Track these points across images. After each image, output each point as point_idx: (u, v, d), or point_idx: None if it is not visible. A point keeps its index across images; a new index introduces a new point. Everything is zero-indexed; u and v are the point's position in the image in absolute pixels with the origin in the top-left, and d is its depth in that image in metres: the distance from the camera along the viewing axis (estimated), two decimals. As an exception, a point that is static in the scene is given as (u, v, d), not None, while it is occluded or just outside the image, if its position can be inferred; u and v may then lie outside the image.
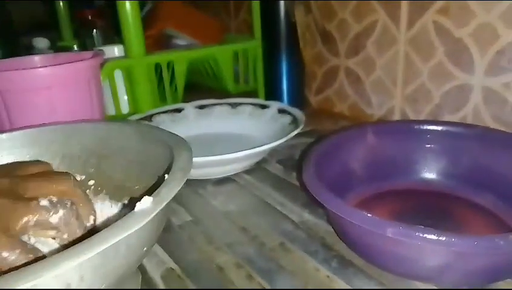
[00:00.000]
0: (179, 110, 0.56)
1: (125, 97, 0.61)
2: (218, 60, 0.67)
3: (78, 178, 0.33)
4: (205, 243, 0.34)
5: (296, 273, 0.30)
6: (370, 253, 0.28)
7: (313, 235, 0.34)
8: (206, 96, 0.60)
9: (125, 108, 0.61)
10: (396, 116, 0.56)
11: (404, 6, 0.52)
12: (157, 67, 0.61)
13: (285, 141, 0.43)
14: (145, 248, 0.22)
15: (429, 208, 0.35)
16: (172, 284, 0.29)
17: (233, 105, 0.57)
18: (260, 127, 0.53)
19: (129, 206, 0.31)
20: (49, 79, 0.38)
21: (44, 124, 0.34)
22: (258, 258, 0.32)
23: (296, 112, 0.50)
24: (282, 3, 0.58)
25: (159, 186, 0.28)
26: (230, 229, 0.36)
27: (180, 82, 0.63)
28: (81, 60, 0.41)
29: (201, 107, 0.57)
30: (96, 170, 0.34)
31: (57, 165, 0.33)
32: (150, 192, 0.29)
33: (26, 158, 0.33)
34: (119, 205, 0.32)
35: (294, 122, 0.48)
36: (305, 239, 0.34)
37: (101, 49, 0.50)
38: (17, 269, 0.16)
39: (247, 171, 0.46)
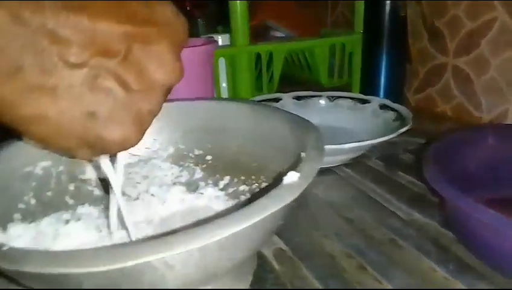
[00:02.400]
0: (276, 100, 0.57)
1: (224, 84, 0.63)
2: (315, 53, 0.67)
3: (197, 152, 0.35)
4: (311, 229, 0.34)
5: (411, 271, 0.29)
6: (500, 259, 0.27)
7: (424, 235, 0.33)
8: (298, 88, 0.60)
9: (223, 95, 0.63)
10: (510, 121, 0.52)
11: (530, 3, 0.48)
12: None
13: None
14: (281, 221, 0.22)
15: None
16: (285, 263, 0.30)
17: (331, 98, 0.56)
18: (360, 121, 0.52)
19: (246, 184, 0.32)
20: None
21: (168, 100, 0.36)
22: (369, 251, 0.31)
23: (400, 108, 0.48)
24: (389, -3, 0.56)
25: (280, 164, 0.29)
26: (335, 219, 0.36)
27: (277, 72, 0.64)
28: (201, 45, 0.43)
29: (299, 98, 0.57)
30: (213, 146, 0.35)
31: (177, 139, 0.36)
32: (271, 170, 0.31)
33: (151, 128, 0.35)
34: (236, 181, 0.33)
35: (399, 119, 0.47)
36: (417, 238, 0.32)
37: (212, 37, 0.52)
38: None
39: (347, 165, 0.45)
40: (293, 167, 0.22)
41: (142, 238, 0.26)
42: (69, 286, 0.18)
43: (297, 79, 0.77)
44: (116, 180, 0.24)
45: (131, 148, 0.22)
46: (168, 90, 0.22)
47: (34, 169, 0.29)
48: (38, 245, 0.23)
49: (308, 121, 0.28)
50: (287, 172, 0.21)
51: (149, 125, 0.22)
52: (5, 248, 0.16)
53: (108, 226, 0.26)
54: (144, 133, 0.22)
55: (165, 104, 0.36)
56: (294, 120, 0.29)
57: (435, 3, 0.58)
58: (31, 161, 0.29)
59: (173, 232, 0.16)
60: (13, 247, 0.16)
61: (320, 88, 0.69)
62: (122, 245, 0.15)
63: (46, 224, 0.24)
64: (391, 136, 0.40)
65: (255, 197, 0.29)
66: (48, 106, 0.18)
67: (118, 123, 0.20)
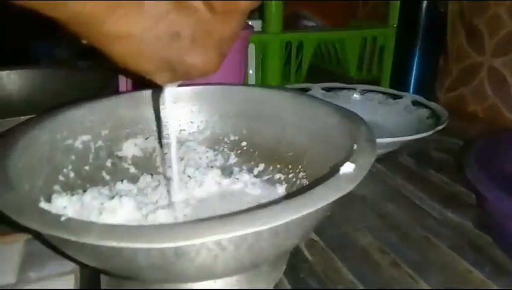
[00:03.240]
0: (305, 90, 0.56)
1: (251, 71, 0.63)
2: (346, 44, 0.66)
3: (232, 138, 0.35)
4: (343, 222, 0.34)
5: (447, 271, 0.28)
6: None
7: (459, 235, 0.32)
8: (324, 80, 0.59)
9: (250, 82, 0.62)
10: (545, 127, 0.51)
11: None
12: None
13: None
14: (328, 213, 0.22)
15: None
16: (318, 254, 0.30)
17: (362, 91, 0.55)
18: (391, 116, 0.51)
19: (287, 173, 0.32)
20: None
21: (206, 84, 0.36)
22: (402, 248, 0.31)
23: (435, 106, 0.47)
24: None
25: (320, 155, 0.28)
26: (367, 214, 0.35)
27: (306, 62, 0.63)
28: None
29: (328, 89, 0.57)
30: (249, 132, 0.35)
31: (214, 123, 0.35)
32: (309, 160, 0.30)
33: (189, 111, 0.35)
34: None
35: (433, 116, 0.46)
36: (452, 238, 0.32)
37: (246, 22, 0.51)
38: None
39: (377, 160, 0.45)
40: (342, 158, 0.22)
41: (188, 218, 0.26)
42: (116, 261, 0.18)
43: (324, 70, 0.76)
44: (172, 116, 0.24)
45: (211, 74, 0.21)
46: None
47: (74, 142, 0.29)
48: (83, 218, 0.23)
49: (355, 113, 0.28)
50: (335, 163, 0.20)
51: (228, 52, 0.21)
52: (63, 218, 0.16)
53: (153, 203, 0.26)
54: (223, 59, 0.21)
55: (204, 87, 0.36)
56: (341, 112, 0.28)
57: (476, 2, 0.57)
58: (72, 134, 0.29)
59: (232, 214, 0.16)
60: (72, 217, 0.16)
61: (348, 81, 0.68)
62: (185, 224, 0.15)
63: (90, 198, 0.24)
64: (429, 132, 0.39)
65: (304, 187, 0.29)
66: (133, 23, 0.18)
67: (201, 46, 0.20)
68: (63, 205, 0.23)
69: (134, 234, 0.15)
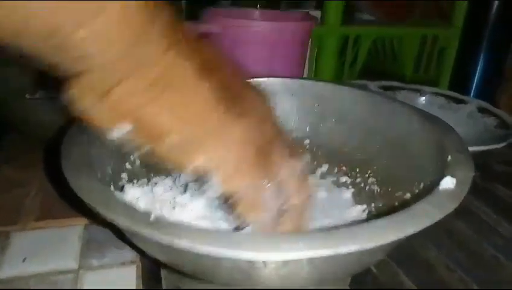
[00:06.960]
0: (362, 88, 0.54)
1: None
2: (404, 42, 0.63)
3: (294, 135, 0.34)
4: (406, 234, 0.32)
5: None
6: None
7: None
8: (378, 79, 0.56)
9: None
10: None
11: None
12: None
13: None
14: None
15: None
16: (382, 267, 0.28)
17: (422, 93, 0.53)
18: (453, 123, 0.48)
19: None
20: (275, 34, 0.38)
21: (269, 76, 0.34)
22: (470, 265, 0.29)
23: (504, 114, 0.44)
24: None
25: (395, 160, 0.27)
26: (432, 228, 0.33)
27: (362, 58, 0.61)
28: (301, 21, 0.41)
29: (385, 88, 0.54)
30: (313, 130, 0.33)
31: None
32: (380, 165, 0.29)
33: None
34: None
35: (503, 126, 0.43)
36: (522, 259, 0.30)
37: (307, 12, 0.50)
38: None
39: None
40: (429, 169, 0.20)
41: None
42: (197, 263, 0.17)
43: (376, 69, 0.73)
44: None
45: None
46: None
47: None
48: (156, 210, 0.22)
49: (441, 119, 0.26)
50: (417, 173, 0.19)
51: None
52: (152, 218, 0.15)
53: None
54: None
55: (266, 79, 0.34)
56: (425, 116, 0.26)
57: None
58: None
59: (328, 229, 0.15)
60: (160, 218, 0.15)
61: (402, 81, 0.65)
62: (279, 235, 0.14)
63: (162, 190, 0.23)
64: (502, 143, 0.37)
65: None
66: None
67: None
68: (136, 196, 0.22)
69: (231, 242, 0.14)
